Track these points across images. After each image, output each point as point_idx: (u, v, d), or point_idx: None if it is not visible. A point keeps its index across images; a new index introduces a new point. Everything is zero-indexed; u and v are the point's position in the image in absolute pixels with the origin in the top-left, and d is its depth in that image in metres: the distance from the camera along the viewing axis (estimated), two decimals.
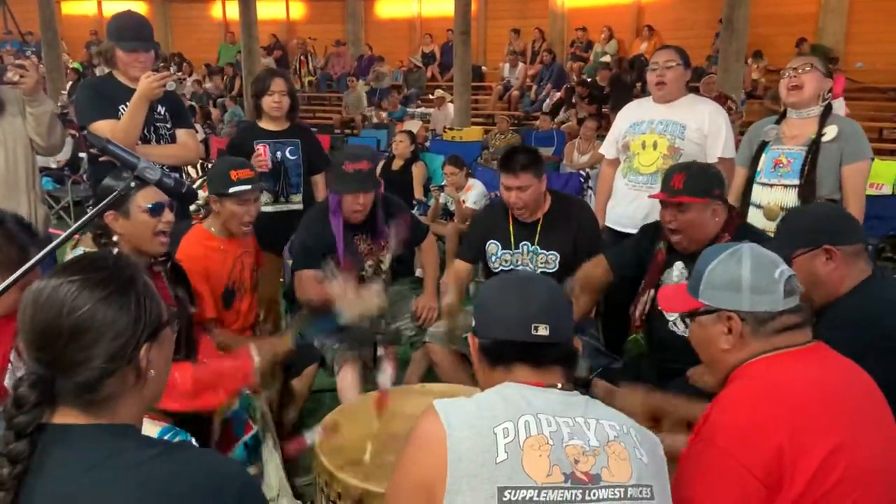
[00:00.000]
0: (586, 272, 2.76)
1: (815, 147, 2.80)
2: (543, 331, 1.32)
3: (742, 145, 3.11)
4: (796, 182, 2.83)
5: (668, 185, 2.47)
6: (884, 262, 5.64)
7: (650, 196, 2.71)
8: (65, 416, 1.06)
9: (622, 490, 1.19)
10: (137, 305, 1.08)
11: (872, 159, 2.88)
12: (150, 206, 2.17)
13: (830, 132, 2.81)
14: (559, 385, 1.32)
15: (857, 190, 2.82)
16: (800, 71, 2.87)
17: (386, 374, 2.25)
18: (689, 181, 2.41)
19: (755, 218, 2.91)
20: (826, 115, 2.86)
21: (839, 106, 3.28)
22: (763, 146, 2.96)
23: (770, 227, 2.75)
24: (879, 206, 5.52)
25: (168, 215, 2.24)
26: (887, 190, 6.15)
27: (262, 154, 3.41)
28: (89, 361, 1.04)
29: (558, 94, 11.73)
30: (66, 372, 1.04)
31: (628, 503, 1.19)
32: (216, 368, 2.16)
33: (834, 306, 1.84)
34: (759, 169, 2.94)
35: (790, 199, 2.84)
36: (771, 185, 2.90)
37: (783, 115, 3.00)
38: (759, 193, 2.93)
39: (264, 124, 3.53)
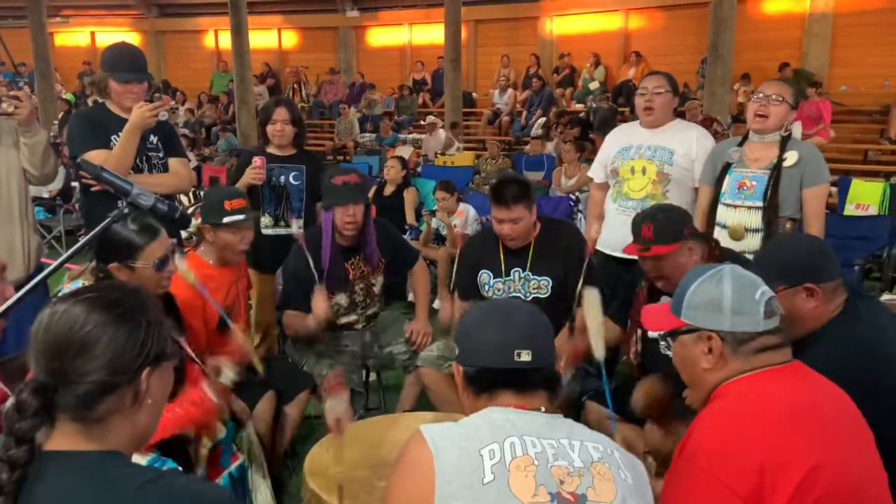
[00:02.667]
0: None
1: (776, 172, 2.90)
2: (526, 356, 1.33)
3: (705, 165, 3.17)
4: (760, 204, 2.91)
5: (638, 236, 2.47)
6: (871, 282, 5.70)
7: (623, 250, 2.69)
8: (61, 438, 1.08)
9: None
10: (147, 329, 1.12)
11: (831, 182, 2.97)
12: (155, 262, 2.19)
13: (791, 157, 2.90)
14: (543, 409, 1.33)
15: (818, 212, 2.91)
16: (770, 101, 2.94)
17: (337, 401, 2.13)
18: (658, 229, 2.41)
19: (720, 238, 2.94)
20: (786, 140, 2.95)
21: (797, 131, 3.42)
22: (727, 167, 3.03)
23: (735, 246, 2.82)
24: (866, 227, 5.58)
25: (172, 264, 2.26)
26: (873, 210, 6.23)
27: (259, 165, 3.45)
28: (93, 373, 1.07)
29: (542, 119, 11.82)
30: (69, 382, 1.07)
31: None
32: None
33: (806, 346, 1.83)
34: (723, 190, 3.01)
35: (754, 220, 2.92)
36: (735, 207, 2.97)
37: (745, 137, 3.08)
38: (723, 214, 3.00)
39: (271, 150, 3.59)
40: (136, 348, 1.10)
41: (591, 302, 2.15)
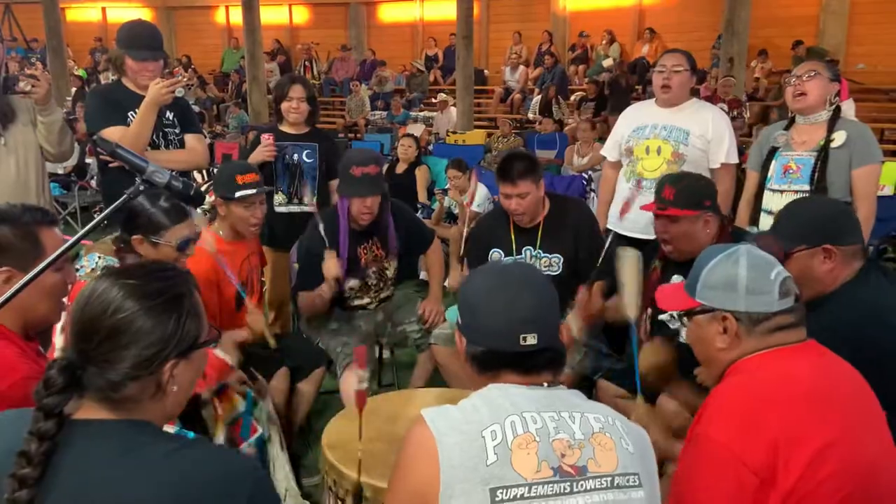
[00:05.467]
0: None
1: (824, 153, 2.82)
2: (532, 340, 1.31)
3: (752, 150, 3.12)
4: (807, 188, 2.84)
5: (659, 196, 2.49)
6: (886, 263, 5.66)
7: (641, 208, 2.73)
8: (88, 410, 1.12)
9: (609, 479, 1.22)
10: (177, 322, 1.14)
11: (883, 162, 2.89)
12: (178, 242, 2.24)
13: (839, 138, 2.81)
14: (545, 384, 1.33)
15: (868, 193, 2.83)
16: (804, 78, 2.88)
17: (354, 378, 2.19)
18: (680, 193, 2.43)
19: (767, 224, 2.91)
20: (835, 120, 2.87)
21: (849, 108, 3.28)
22: (773, 152, 2.97)
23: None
24: (881, 208, 5.44)
25: (192, 249, 2.31)
26: (889, 191, 6.16)
27: (270, 141, 3.46)
28: (118, 362, 1.10)
29: (538, 97, 11.71)
30: (96, 366, 1.10)
31: (615, 491, 1.22)
32: None
33: (815, 307, 1.86)
34: (769, 175, 2.96)
35: None
36: (782, 191, 2.91)
37: (792, 121, 3.01)
38: (769, 199, 2.94)
39: (284, 128, 3.59)
40: (162, 343, 1.12)
41: (628, 261, 2.15)
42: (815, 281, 1.87)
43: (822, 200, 2.35)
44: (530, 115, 11.48)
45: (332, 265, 2.91)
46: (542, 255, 2.98)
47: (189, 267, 2.47)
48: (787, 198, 2.88)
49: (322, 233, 2.96)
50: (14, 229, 1.65)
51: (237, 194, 2.72)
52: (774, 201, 2.93)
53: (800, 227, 1.94)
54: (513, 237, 3.02)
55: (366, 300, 3.21)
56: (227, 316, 2.80)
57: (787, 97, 3.00)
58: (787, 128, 3.01)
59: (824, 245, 1.87)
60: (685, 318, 1.59)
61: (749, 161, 3.14)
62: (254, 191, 2.75)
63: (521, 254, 3.01)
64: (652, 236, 3.04)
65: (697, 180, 2.59)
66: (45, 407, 1.07)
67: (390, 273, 3.24)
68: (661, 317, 2.55)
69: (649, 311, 2.61)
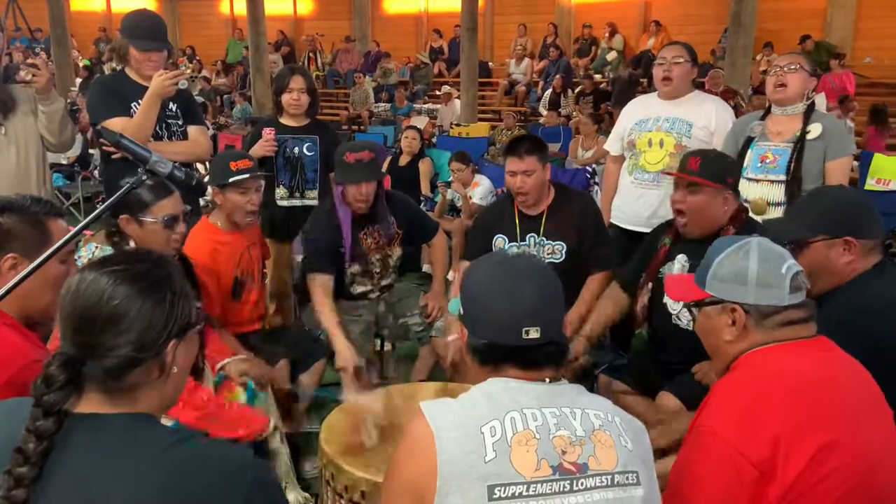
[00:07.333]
0: (607, 312, 2.78)
1: (800, 144, 2.86)
2: (534, 333, 1.30)
3: (727, 140, 3.14)
4: (783, 177, 2.88)
5: (684, 165, 2.49)
6: (890, 258, 5.63)
7: (662, 172, 2.72)
8: (89, 404, 1.10)
9: (609, 477, 1.21)
10: (172, 302, 1.13)
11: (854, 155, 2.93)
12: (164, 218, 2.24)
13: (815, 130, 2.87)
14: (547, 380, 1.32)
15: (840, 184, 2.85)
16: (786, 70, 2.92)
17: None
18: (705, 164, 2.42)
19: None
20: (810, 113, 2.91)
21: (821, 102, 3.40)
22: (749, 142, 3.00)
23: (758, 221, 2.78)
24: (887, 202, 5.50)
25: (181, 227, 2.31)
26: (895, 185, 6.14)
27: (270, 136, 3.45)
28: (120, 348, 1.08)
29: (549, 91, 11.66)
30: (97, 356, 1.08)
31: (615, 489, 1.21)
32: (234, 410, 2.25)
33: (827, 300, 1.83)
34: (745, 165, 2.98)
35: (777, 193, 2.89)
36: (758, 181, 2.94)
37: (768, 111, 3.04)
38: (745, 188, 2.95)
39: (284, 120, 3.56)
40: (162, 323, 1.11)
41: None
42: (832, 273, 1.83)
43: (845, 190, 2.30)
44: (541, 110, 11.42)
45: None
46: (546, 242, 2.98)
47: (188, 253, 2.48)
48: (763, 187, 2.92)
49: (326, 224, 2.97)
50: (22, 217, 1.66)
51: (231, 179, 2.72)
52: (750, 190, 2.95)
53: (821, 215, 1.89)
54: (517, 223, 3.01)
55: (368, 286, 3.20)
56: (225, 304, 2.80)
57: (767, 87, 3.03)
58: (762, 118, 3.02)
59: (845, 236, 1.83)
60: (694, 309, 1.58)
61: (724, 150, 3.14)
62: (247, 175, 2.74)
63: (525, 240, 3.01)
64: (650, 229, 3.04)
65: (723, 156, 2.62)
66: (45, 404, 1.05)
67: (392, 261, 3.23)
68: (665, 299, 2.55)
69: (650, 285, 2.60)
